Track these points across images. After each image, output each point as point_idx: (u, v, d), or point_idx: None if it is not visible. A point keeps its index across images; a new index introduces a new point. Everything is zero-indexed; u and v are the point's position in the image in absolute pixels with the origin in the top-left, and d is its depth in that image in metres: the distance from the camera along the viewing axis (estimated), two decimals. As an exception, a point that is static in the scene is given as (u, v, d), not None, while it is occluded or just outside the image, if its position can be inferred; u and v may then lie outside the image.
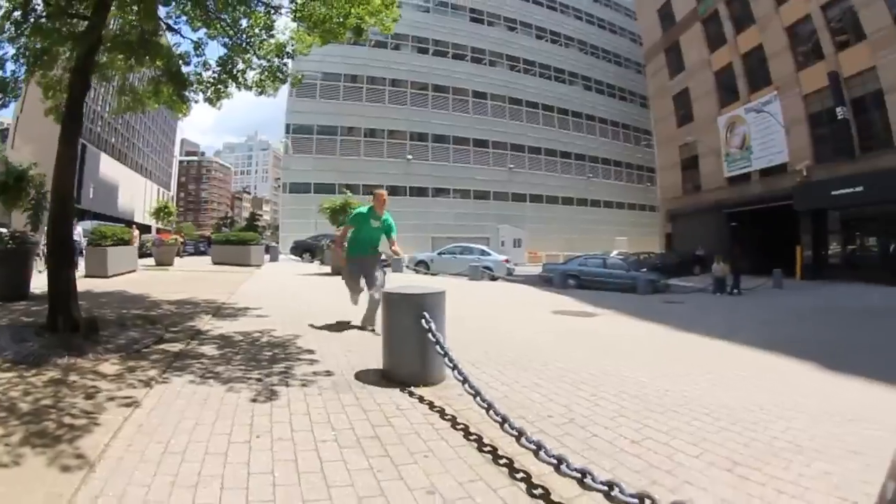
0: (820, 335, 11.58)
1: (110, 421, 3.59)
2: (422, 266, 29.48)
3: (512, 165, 65.40)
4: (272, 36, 9.19)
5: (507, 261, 30.72)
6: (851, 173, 29.61)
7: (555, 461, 2.89)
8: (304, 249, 33.28)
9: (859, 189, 29.07)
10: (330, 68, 56.02)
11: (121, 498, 2.62)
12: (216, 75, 9.26)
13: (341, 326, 7.81)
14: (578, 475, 2.66)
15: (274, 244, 31.76)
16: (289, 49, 9.17)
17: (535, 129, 68.46)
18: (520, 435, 3.30)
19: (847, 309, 17.19)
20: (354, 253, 8.17)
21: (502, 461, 3.40)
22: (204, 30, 9.08)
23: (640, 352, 8.12)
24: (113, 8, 7.41)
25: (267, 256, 24.47)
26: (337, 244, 8.95)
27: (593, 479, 2.62)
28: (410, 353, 5.08)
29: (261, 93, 9.42)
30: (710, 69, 42.22)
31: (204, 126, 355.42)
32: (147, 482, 2.80)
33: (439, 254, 31.80)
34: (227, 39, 9.08)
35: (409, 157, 59.79)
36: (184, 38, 9.03)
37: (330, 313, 9.08)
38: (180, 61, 9.13)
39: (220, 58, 9.23)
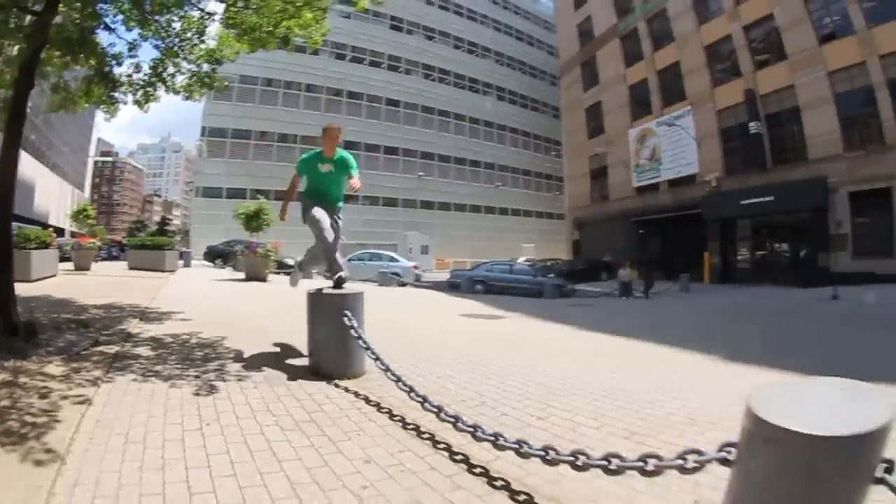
0: (722, 332, 12.53)
1: (69, 417, 3.79)
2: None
3: (422, 173, 66.23)
4: (203, 41, 9.17)
5: (415, 267, 31.91)
6: (763, 184, 31.71)
7: (471, 429, 3.36)
8: (217, 255, 32.99)
9: (770, 199, 31.09)
10: (248, 71, 55.17)
11: (97, 484, 2.87)
12: (147, 78, 9.16)
13: (263, 327, 8.18)
14: (492, 438, 3.14)
15: (187, 249, 31.48)
16: (217, 55, 9.17)
17: (446, 137, 69.68)
18: (439, 411, 3.73)
19: (752, 309, 18.54)
20: (313, 199, 6.59)
21: (425, 435, 3.90)
22: (138, 30, 8.99)
23: (545, 348, 8.76)
24: (61, 5, 7.39)
25: (180, 262, 24.22)
26: (286, 196, 7.12)
27: (505, 440, 3.11)
28: (334, 349, 5.51)
29: (187, 98, 9.46)
30: (624, 84, 44.08)
31: (119, 125, 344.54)
32: (117, 469, 3.06)
33: (349, 259, 32.19)
34: (159, 42, 9.05)
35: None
36: (119, 38, 8.93)
37: (250, 316, 9.60)
38: (114, 61, 9.02)
39: (152, 60, 9.14)
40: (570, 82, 52.80)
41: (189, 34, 9.15)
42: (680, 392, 5.57)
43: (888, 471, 2.11)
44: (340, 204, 6.73)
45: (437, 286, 27.89)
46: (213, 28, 9.23)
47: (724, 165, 35.58)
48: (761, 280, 31.28)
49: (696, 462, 2.43)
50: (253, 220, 21.51)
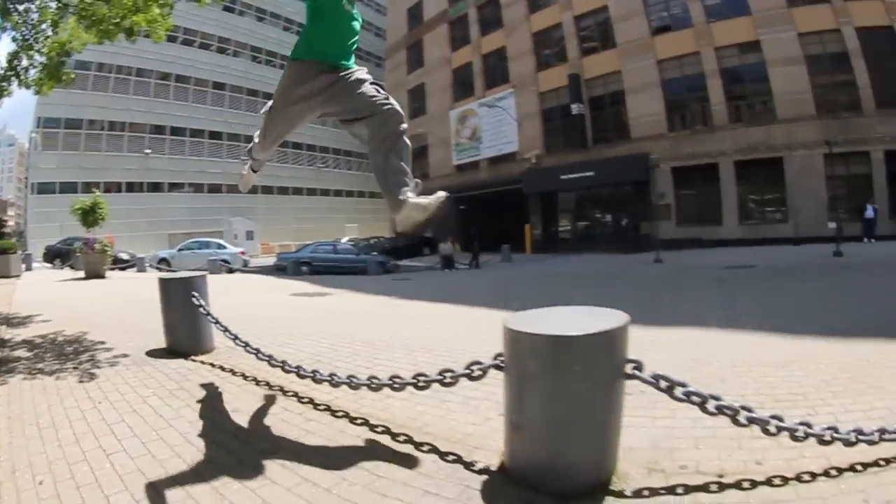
0: (531, 294, 13.72)
1: (-18, 419, 4.14)
2: (164, 264, 29.67)
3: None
4: (56, 32, 9.01)
5: (242, 253, 32.33)
6: (584, 160, 33.60)
7: (311, 373, 4.06)
8: (56, 255, 31.47)
9: (591, 174, 33.11)
10: (83, 55, 50.66)
11: (31, 466, 3.26)
12: (2, 72, 9.01)
13: (116, 320, 8.81)
14: (329, 378, 3.92)
15: (28, 252, 30.13)
16: (68, 47, 9.02)
17: None
18: (283, 364, 4.37)
19: (571, 274, 19.97)
20: (319, 51, 3.83)
21: (276, 388, 4.72)
22: None
23: (369, 317, 9.94)
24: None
25: (23, 265, 23.55)
26: None
27: (339, 378, 3.87)
28: (186, 329, 6.19)
29: (37, 92, 9.34)
30: (449, 67, 45.20)
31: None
32: (41, 450, 3.50)
33: (179, 250, 32.15)
34: (16, 34, 8.86)
35: (148, 151, 57.07)
36: (-17, 30, 8.74)
37: (102, 311, 10.22)
38: (-26, 55, 8.46)
39: (9, 53, 8.94)
40: (396, 64, 53.44)
41: (44, 25, 9.01)
42: (487, 342, 6.30)
43: (637, 369, 2.75)
44: (352, 64, 3.97)
45: (264, 270, 28.77)
46: (65, 19, 9.15)
47: (544, 143, 37.64)
48: (584, 248, 33.61)
49: (479, 370, 3.14)
50: (90, 215, 21.18)
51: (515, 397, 2.88)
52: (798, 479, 2.83)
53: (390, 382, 3.55)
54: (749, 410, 2.73)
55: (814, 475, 2.84)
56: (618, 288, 15.20)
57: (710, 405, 2.72)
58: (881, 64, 26.16)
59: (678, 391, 2.75)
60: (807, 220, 27.11)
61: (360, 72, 3.93)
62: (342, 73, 3.86)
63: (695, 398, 2.74)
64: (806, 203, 27.54)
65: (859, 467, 2.88)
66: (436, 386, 3.39)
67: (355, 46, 4.02)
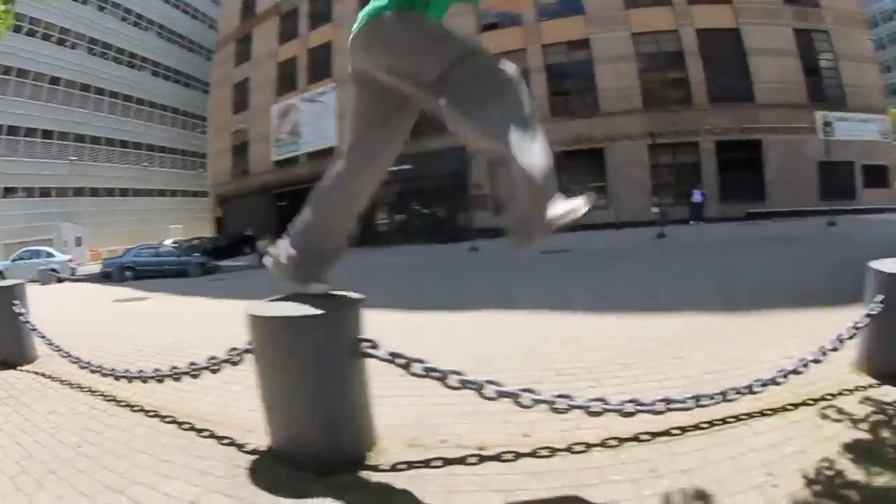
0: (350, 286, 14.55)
1: None
2: (-1, 277, 28.64)
3: (74, 158, 60.06)
4: None
5: (70, 261, 31.19)
6: (403, 153, 33.56)
7: (111, 372, 4.44)
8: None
9: (409, 167, 33.78)
10: None
11: None
12: None
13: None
14: (125, 374, 4.26)
15: None
16: None
17: (100, 117, 63.93)
18: (89, 364, 4.71)
19: (373, 268, 19.61)
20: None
21: (86, 389, 4.98)
22: None
23: (179, 318, 10.74)
24: None
25: None
26: None
27: (132, 372, 4.16)
28: (10, 340, 6.23)
29: None
30: (274, 60, 44.54)
31: None
32: None
33: (13, 261, 30.69)
34: None
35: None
36: None
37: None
38: None
39: None
40: (224, 58, 52.02)
41: None
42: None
43: (373, 348, 2.84)
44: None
45: (92, 278, 28.01)
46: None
47: (362, 137, 38.10)
48: (402, 241, 34.26)
49: (237, 355, 3.32)
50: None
51: (262, 379, 3.04)
52: (569, 450, 2.87)
53: (171, 373, 3.85)
54: (497, 384, 2.65)
55: (589, 446, 2.89)
56: (425, 278, 16.03)
57: (452, 380, 2.69)
58: (718, 62, 28.57)
59: (415, 367, 2.76)
60: (629, 206, 29.05)
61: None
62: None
63: (434, 374, 2.72)
64: (627, 190, 29.55)
65: (645, 437, 2.91)
66: (223, 378, 3.80)
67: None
